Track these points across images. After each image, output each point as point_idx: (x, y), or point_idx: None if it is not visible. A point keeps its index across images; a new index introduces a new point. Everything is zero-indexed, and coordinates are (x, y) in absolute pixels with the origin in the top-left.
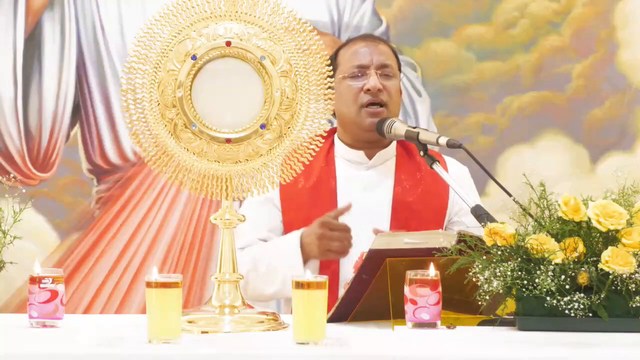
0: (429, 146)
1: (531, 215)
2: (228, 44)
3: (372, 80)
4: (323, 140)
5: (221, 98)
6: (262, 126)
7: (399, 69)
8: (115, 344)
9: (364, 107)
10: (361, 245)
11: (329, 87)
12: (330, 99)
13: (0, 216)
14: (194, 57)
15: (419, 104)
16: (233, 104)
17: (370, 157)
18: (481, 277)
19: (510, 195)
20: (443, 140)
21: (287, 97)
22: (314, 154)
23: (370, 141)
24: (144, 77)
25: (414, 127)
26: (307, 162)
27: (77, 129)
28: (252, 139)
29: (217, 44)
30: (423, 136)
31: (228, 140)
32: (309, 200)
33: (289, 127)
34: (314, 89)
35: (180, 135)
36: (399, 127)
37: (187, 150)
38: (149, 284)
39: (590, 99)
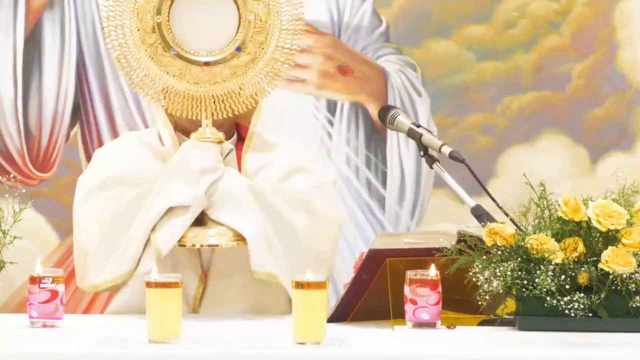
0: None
1: (520, 228)
2: None
3: None
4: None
5: (198, 23)
6: (238, 49)
7: None
8: (115, 344)
9: None
10: None
11: (300, 9)
12: (300, 19)
13: (0, 216)
14: None
15: (419, 104)
16: (210, 28)
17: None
18: (481, 277)
19: (503, 210)
20: (446, 150)
21: (260, 20)
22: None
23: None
24: (123, 4)
25: (418, 126)
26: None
27: (77, 129)
28: (229, 61)
29: None
30: (426, 140)
31: (206, 64)
32: None
33: (262, 49)
34: (285, 10)
35: (161, 59)
36: (402, 122)
37: (168, 73)
38: (149, 284)
39: (590, 99)
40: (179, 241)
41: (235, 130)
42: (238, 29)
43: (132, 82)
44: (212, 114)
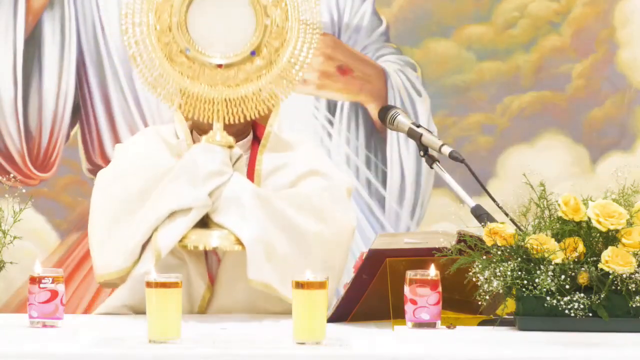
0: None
1: (520, 228)
2: None
3: None
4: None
5: (214, 25)
6: (253, 53)
7: None
8: (115, 344)
9: None
10: None
11: (318, 18)
12: (318, 28)
13: (0, 216)
14: None
15: (419, 104)
16: (226, 31)
17: None
18: (481, 277)
19: (503, 210)
20: (446, 150)
21: (277, 26)
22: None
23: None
24: (142, 3)
25: (417, 126)
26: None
27: (77, 129)
28: (243, 64)
29: None
30: (426, 140)
31: (220, 66)
32: None
33: (278, 55)
34: (303, 18)
35: (175, 59)
36: (402, 122)
37: (182, 73)
38: (149, 284)
39: (590, 99)
40: (181, 242)
41: (252, 129)
42: (254, 33)
43: (146, 80)
44: (224, 118)
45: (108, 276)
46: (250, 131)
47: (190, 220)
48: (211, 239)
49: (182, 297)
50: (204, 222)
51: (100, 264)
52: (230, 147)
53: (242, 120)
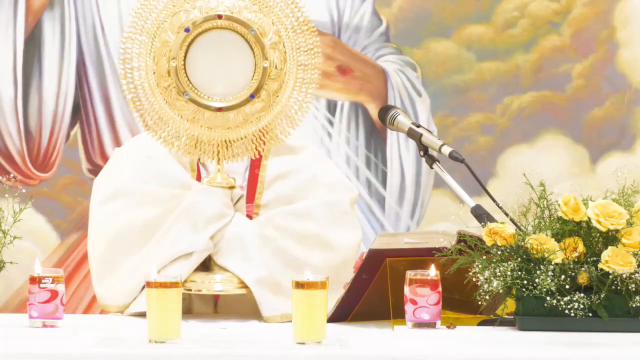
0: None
1: (520, 228)
2: (219, 17)
3: None
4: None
5: (213, 68)
6: (252, 96)
7: None
8: (115, 344)
9: None
10: None
11: (317, 59)
12: (317, 69)
13: (0, 216)
14: (187, 30)
15: (419, 104)
16: (224, 74)
17: None
18: (481, 277)
19: (503, 210)
20: (446, 150)
21: (276, 68)
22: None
23: None
24: (140, 47)
25: (417, 126)
26: (292, 132)
27: (77, 129)
28: (242, 107)
29: (209, 16)
30: (426, 140)
31: (219, 109)
32: None
33: (277, 96)
34: (301, 59)
35: (175, 102)
36: (402, 122)
37: (181, 117)
38: (149, 284)
39: (590, 99)
40: (184, 286)
41: None
42: (253, 75)
43: (145, 124)
44: (225, 159)
45: (107, 308)
46: None
47: (191, 265)
48: (214, 284)
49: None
50: (205, 264)
51: (101, 294)
52: (232, 187)
53: (242, 161)
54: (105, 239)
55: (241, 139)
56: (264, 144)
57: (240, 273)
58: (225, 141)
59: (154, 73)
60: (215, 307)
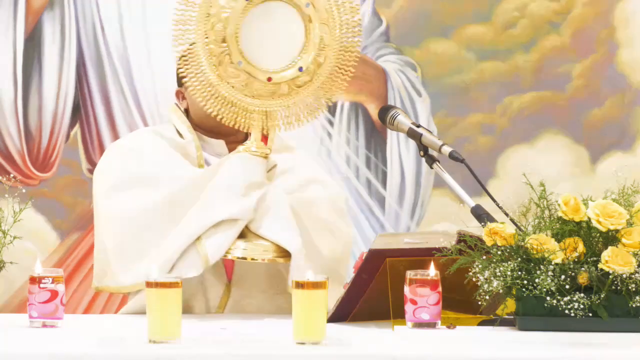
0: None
1: (520, 228)
2: None
3: None
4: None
5: (267, 38)
6: (300, 69)
7: None
8: (115, 344)
9: None
10: None
11: (358, 37)
12: (357, 51)
13: (0, 216)
14: None
15: (419, 104)
16: (276, 45)
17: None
18: (481, 277)
19: (503, 210)
20: (446, 150)
21: (324, 44)
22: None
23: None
24: (196, 10)
25: (418, 126)
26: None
27: (77, 129)
28: (289, 79)
29: None
30: (426, 140)
31: (269, 79)
32: None
33: (319, 72)
34: (344, 39)
35: (226, 69)
36: (402, 122)
37: (229, 83)
38: (149, 284)
39: (590, 99)
40: (229, 254)
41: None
42: (303, 48)
43: (193, 87)
44: (263, 129)
45: (138, 286)
46: (247, 133)
47: (236, 231)
48: (261, 252)
49: (199, 297)
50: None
51: (126, 274)
52: (266, 157)
53: (278, 131)
54: (122, 230)
55: (281, 109)
56: (300, 117)
57: (282, 241)
58: (266, 111)
59: (207, 37)
60: (229, 281)
